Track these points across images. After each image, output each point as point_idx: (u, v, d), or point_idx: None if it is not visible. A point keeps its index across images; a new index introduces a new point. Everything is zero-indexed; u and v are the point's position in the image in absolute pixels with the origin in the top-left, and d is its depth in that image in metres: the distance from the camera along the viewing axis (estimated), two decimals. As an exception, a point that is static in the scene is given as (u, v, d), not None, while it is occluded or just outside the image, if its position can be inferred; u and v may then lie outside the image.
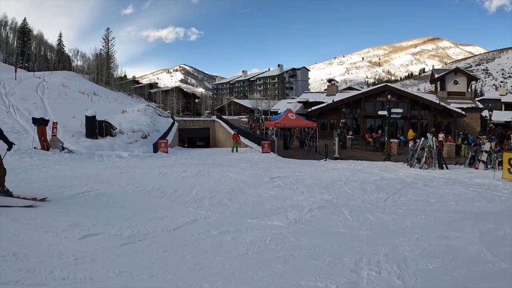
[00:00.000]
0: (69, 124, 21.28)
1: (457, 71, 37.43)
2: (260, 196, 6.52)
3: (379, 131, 27.50)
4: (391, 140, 19.86)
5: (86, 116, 19.18)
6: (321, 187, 7.62)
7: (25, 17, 74.43)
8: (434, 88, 41.83)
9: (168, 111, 55.94)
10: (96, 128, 19.37)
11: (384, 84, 37.38)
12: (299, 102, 39.94)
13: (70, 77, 47.93)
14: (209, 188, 7.02)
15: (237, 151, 21.51)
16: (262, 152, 18.84)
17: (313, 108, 33.28)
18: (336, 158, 17.97)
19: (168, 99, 66.74)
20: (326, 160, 17.21)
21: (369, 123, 32.42)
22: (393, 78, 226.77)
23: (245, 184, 7.68)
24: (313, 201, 6.24)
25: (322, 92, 46.36)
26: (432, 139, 14.95)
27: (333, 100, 32.79)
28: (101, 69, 63.95)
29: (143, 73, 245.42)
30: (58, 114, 23.83)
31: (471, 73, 38.95)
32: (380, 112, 20.87)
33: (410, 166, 14.55)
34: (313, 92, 51.04)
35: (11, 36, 75.93)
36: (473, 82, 38.89)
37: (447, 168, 14.31)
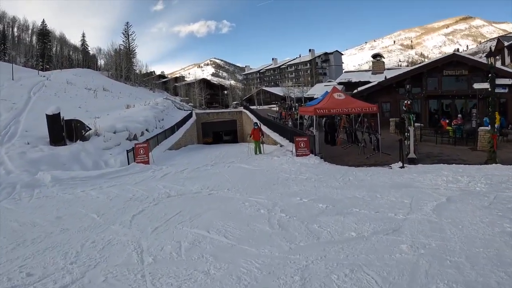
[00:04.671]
0: (38, 127, 16.08)
1: (531, 37, 28.40)
2: None
3: (459, 115, 19.79)
4: (494, 130, 12.43)
5: (46, 115, 13.67)
6: None
7: (43, 19, 72.73)
8: (500, 59, 32.29)
9: (191, 103, 50.91)
10: (63, 130, 13.87)
11: (452, 53, 28.71)
12: (340, 83, 32.73)
13: (81, 74, 43.99)
14: None
15: (260, 152, 15.22)
16: (297, 156, 12.27)
17: (360, 89, 25.96)
18: (412, 161, 11.15)
19: (191, 91, 61.96)
20: (403, 167, 10.40)
21: (431, 105, 24.50)
22: (426, 60, 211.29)
23: None
24: None
25: (366, 71, 38.64)
26: None
27: (385, 77, 25.28)
28: (121, 65, 60.26)
29: (174, 69, 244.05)
30: (34, 115, 18.94)
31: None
32: (476, 86, 13.47)
33: None
34: (355, 71, 43.08)
35: (35, 39, 74.78)
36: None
37: None
